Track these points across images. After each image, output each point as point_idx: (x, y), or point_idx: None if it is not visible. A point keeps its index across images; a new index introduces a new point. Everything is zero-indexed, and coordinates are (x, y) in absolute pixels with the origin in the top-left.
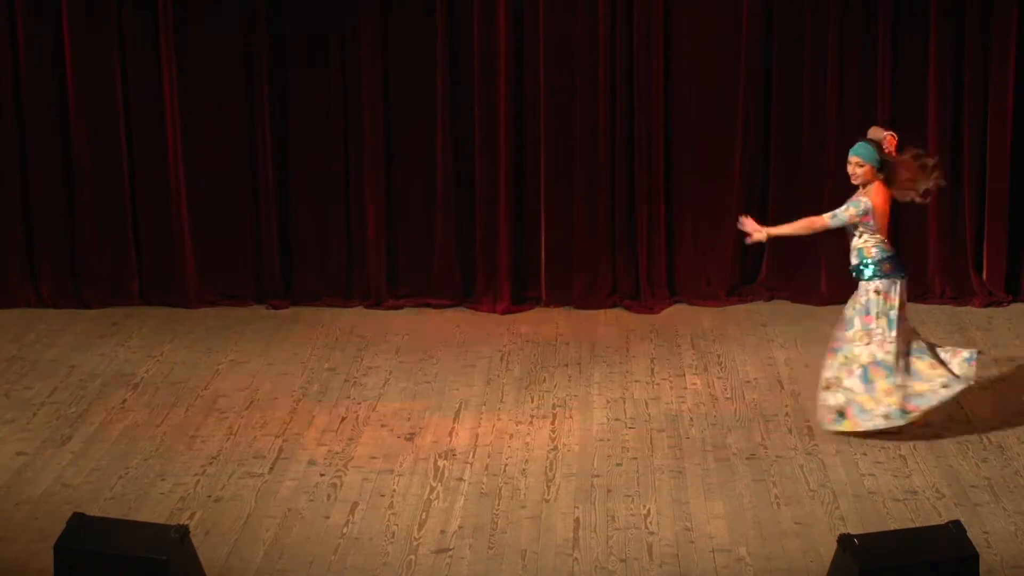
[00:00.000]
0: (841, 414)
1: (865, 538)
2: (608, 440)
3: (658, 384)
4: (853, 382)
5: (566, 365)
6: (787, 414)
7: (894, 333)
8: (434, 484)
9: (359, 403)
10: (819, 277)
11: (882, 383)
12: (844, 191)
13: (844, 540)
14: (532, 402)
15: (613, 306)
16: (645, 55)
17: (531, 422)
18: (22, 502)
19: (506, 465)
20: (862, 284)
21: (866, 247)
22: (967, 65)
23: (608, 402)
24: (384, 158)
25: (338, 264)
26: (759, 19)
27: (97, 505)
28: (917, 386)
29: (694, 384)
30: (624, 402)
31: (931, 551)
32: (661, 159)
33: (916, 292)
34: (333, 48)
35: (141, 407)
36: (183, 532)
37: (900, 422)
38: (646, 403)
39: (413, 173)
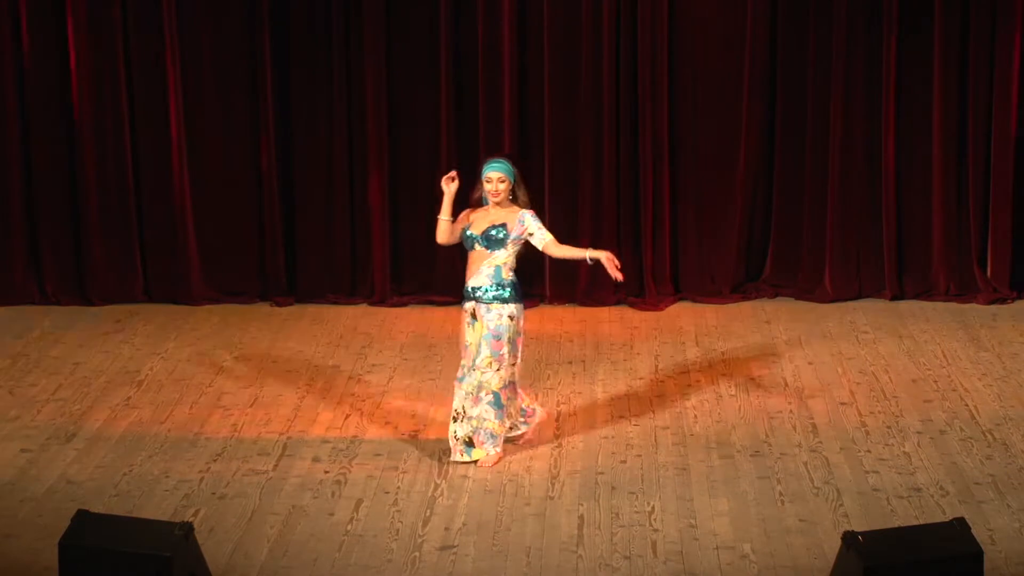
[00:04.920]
0: (469, 443)
1: (869, 535)
2: (612, 437)
3: (662, 381)
4: (483, 408)
5: (570, 362)
6: (791, 411)
7: (518, 358)
8: (438, 481)
9: (363, 400)
10: (823, 274)
11: (511, 406)
12: (845, 189)
13: (848, 537)
14: (536, 399)
15: (617, 303)
16: (650, 54)
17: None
18: (26, 499)
19: (510, 462)
20: (494, 308)
21: (505, 267)
22: (971, 62)
23: (612, 399)
24: (388, 155)
25: (342, 261)
26: (764, 17)
27: (101, 502)
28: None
29: (698, 381)
30: (628, 399)
31: (935, 548)
32: (666, 157)
33: (920, 289)
34: (337, 45)
35: (145, 404)
36: (187, 529)
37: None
38: (650, 400)
39: (417, 170)
